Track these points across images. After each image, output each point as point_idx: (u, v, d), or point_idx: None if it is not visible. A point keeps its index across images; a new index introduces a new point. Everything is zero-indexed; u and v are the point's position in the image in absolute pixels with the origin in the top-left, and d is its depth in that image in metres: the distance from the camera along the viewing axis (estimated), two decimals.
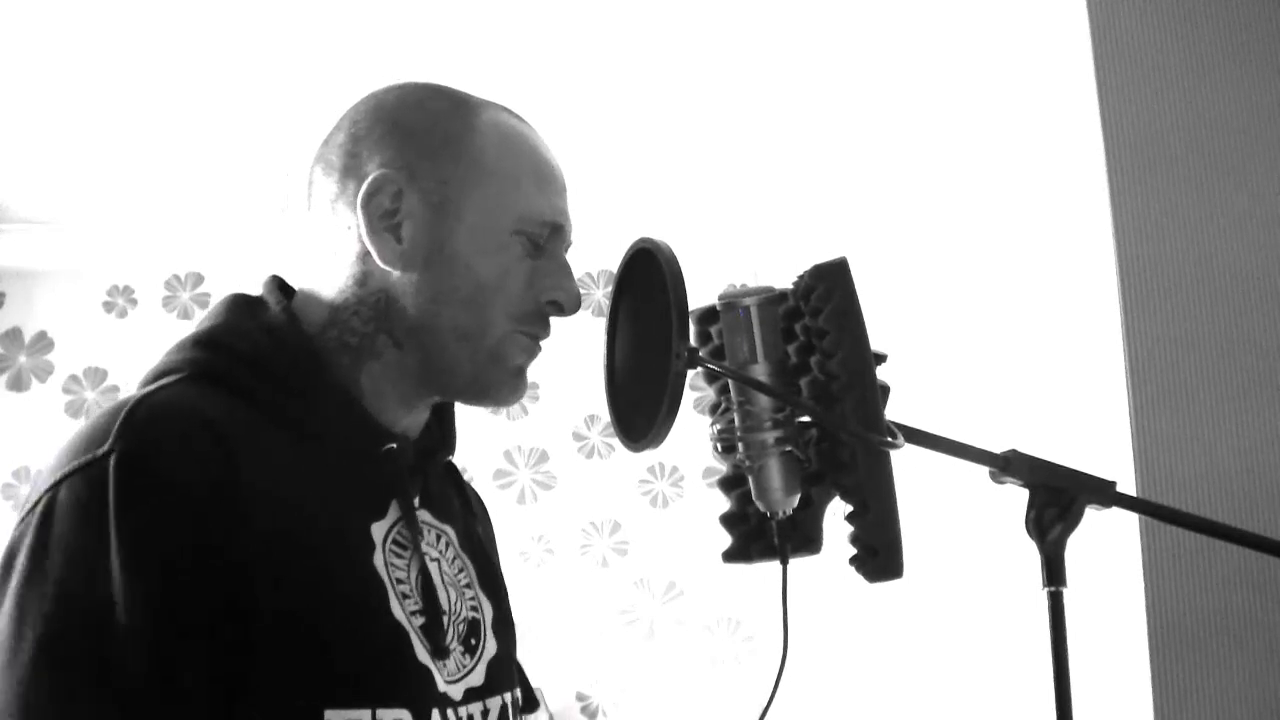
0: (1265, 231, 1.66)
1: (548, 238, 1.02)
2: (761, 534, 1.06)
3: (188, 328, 1.02)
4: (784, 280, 1.04)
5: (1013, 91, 1.99)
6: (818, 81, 2.72)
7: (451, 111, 1.01)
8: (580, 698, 3.65)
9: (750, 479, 1.00)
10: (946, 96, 2.27)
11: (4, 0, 2.36)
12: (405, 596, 0.94)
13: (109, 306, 3.76)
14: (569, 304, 1.02)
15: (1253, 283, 1.64)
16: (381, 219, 0.98)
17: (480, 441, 3.71)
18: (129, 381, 3.71)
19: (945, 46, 2.27)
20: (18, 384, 3.70)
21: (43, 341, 3.74)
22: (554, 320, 1.03)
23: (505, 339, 1.00)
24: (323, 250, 1.02)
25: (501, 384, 1.01)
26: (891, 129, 2.56)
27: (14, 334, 3.73)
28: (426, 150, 0.99)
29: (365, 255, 0.99)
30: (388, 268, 0.98)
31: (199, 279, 3.78)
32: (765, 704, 0.99)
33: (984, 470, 1.03)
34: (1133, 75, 1.67)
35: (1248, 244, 1.65)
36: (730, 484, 1.08)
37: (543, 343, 1.05)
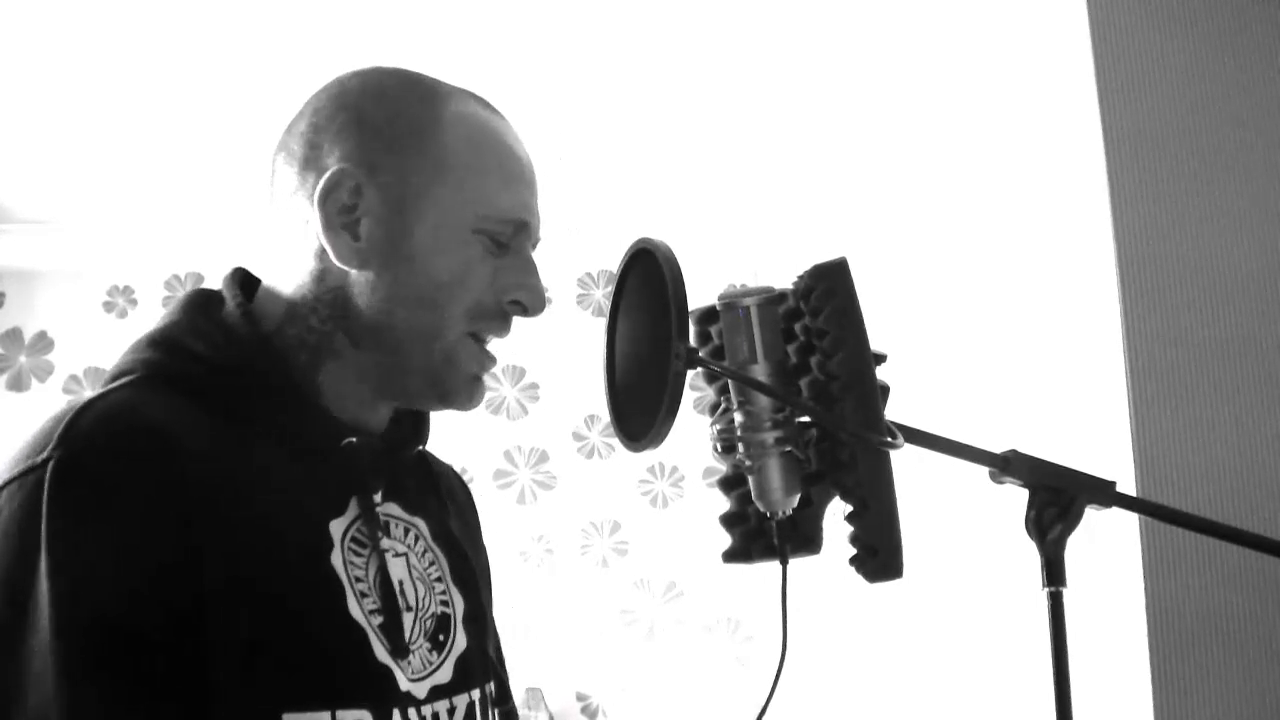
0: (1265, 231, 1.66)
1: (512, 235, 0.99)
2: (761, 534, 1.06)
3: None
4: (784, 280, 1.04)
5: (1013, 91, 1.99)
6: (818, 81, 2.72)
7: (416, 102, 0.98)
8: (580, 698, 3.65)
9: (750, 479, 1.00)
10: (946, 96, 2.27)
11: (4, 1, 2.36)
12: (364, 595, 0.92)
13: (109, 306, 3.76)
14: (532, 303, 1.00)
15: (1253, 282, 1.64)
16: (339, 215, 0.95)
17: (480, 441, 3.71)
18: None
19: (945, 46, 2.27)
20: (18, 384, 3.70)
21: (43, 341, 3.74)
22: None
23: (458, 343, 0.97)
24: (283, 243, 0.99)
25: (458, 390, 0.99)
26: (891, 129, 2.56)
27: (14, 334, 3.73)
28: (388, 144, 0.96)
29: (323, 252, 0.96)
30: (344, 266, 0.96)
31: (199, 279, 3.79)
32: (764, 704, 0.99)
33: (984, 470, 1.03)
34: (1133, 75, 1.67)
35: (1248, 244, 1.65)
36: (730, 484, 1.08)
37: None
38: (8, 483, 0.84)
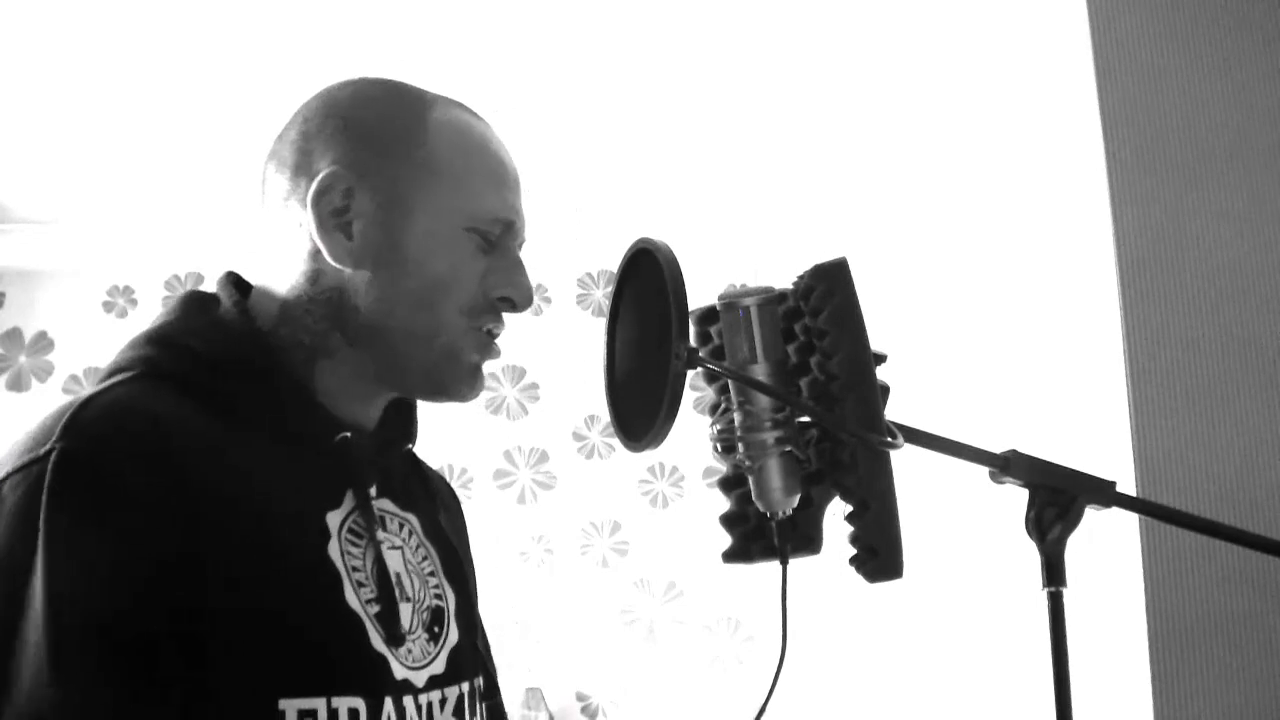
0: (1265, 231, 1.66)
1: (500, 235, 1.02)
2: (761, 534, 1.06)
3: None
4: (784, 280, 1.04)
5: (1013, 91, 1.99)
6: (818, 81, 2.72)
7: (403, 109, 1.02)
8: (580, 698, 3.65)
9: (750, 479, 1.00)
10: (947, 97, 2.27)
11: (4, 1, 2.36)
12: (361, 585, 0.94)
13: (109, 306, 3.76)
14: (520, 299, 1.03)
15: (1253, 282, 1.64)
16: (332, 216, 0.98)
17: (480, 441, 3.71)
18: None
19: (945, 47, 2.27)
20: (18, 384, 3.70)
21: (43, 341, 3.74)
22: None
23: (461, 336, 1.00)
24: (276, 247, 1.02)
25: (458, 381, 1.02)
26: (892, 129, 2.56)
27: (14, 334, 3.73)
28: (377, 148, 0.99)
29: (317, 253, 0.99)
30: (339, 266, 0.98)
31: (199, 279, 3.78)
32: (762, 704, 0.99)
33: (984, 470, 1.03)
34: (1133, 75, 1.67)
35: (1248, 244, 1.65)
36: (730, 484, 1.08)
37: (502, 339, 1.05)
38: (10, 474, 0.85)
